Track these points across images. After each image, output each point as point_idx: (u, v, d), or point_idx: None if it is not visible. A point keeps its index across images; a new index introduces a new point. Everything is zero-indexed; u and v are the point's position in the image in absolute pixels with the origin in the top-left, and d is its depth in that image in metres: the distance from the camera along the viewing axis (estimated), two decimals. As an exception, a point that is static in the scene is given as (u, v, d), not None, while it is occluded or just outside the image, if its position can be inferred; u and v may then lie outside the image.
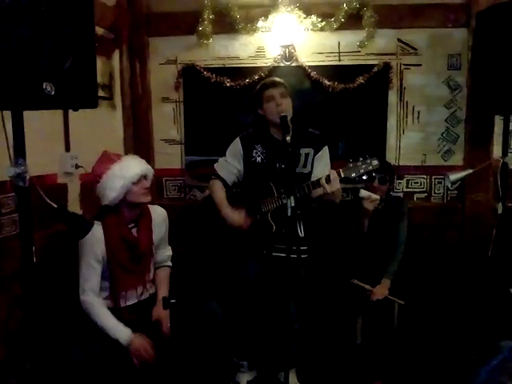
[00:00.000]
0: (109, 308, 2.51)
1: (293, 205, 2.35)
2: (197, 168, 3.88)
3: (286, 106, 2.78)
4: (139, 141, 3.88)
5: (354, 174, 2.58)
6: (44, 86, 1.65)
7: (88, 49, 1.79)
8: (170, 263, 2.93)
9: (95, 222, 2.39)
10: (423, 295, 3.38)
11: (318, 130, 3.01)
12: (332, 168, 2.73)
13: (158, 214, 2.77)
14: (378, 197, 3.01)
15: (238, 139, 3.00)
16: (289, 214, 2.35)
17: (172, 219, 2.88)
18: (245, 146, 2.96)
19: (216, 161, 3.11)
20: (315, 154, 2.91)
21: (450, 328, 3.31)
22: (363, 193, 3.03)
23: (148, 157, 3.88)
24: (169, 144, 3.93)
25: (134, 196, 2.54)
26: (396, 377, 2.96)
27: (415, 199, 3.76)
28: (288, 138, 2.50)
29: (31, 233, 1.88)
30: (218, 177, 3.02)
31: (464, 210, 3.66)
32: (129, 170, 2.49)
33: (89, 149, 3.20)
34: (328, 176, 2.57)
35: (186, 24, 3.72)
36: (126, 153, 3.79)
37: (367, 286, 3.17)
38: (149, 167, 2.62)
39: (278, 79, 2.91)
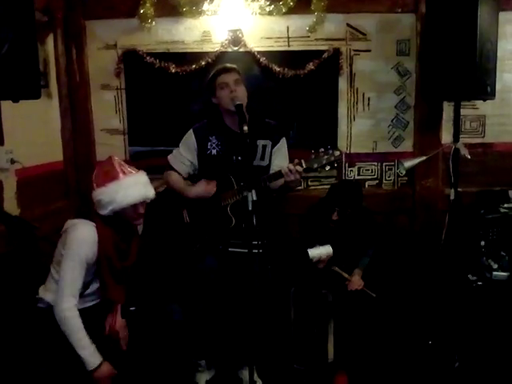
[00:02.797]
0: None
1: (254, 199, 2.25)
2: (142, 159, 3.66)
3: (241, 94, 2.67)
4: (78, 131, 3.62)
5: (316, 165, 2.57)
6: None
7: (28, 33, 1.58)
8: None
9: (90, 222, 2.32)
10: (378, 283, 3.37)
11: (272, 119, 2.92)
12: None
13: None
14: (329, 253, 3.00)
15: (191, 131, 2.87)
16: (250, 208, 2.26)
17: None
18: (198, 138, 2.82)
19: (162, 151, 3.00)
20: (273, 146, 2.83)
21: (404, 315, 3.33)
22: (312, 255, 2.99)
23: (88, 148, 3.68)
24: (110, 134, 3.69)
25: (126, 217, 2.41)
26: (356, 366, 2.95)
27: (366, 186, 3.73)
28: (245, 128, 2.39)
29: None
30: (172, 169, 2.87)
31: (414, 196, 3.67)
32: (122, 197, 2.32)
33: (24, 141, 2.99)
34: (288, 167, 2.53)
35: (125, 6, 3.48)
36: (65, 145, 3.56)
37: (345, 275, 3.15)
38: (149, 193, 2.46)
39: (230, 65, 2.80)
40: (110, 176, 2.37)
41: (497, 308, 2.81)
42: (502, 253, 2.95)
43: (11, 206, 2.85)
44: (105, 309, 2.51)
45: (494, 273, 2.87)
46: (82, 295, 2.35)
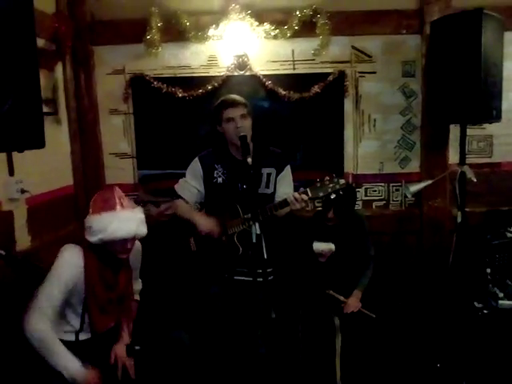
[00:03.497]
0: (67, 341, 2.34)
1: (258, 232, 2.28)
2: (151, 182, 3.72)
3: (247, 128, 2.70)
4: (88, 156, 3.68)
5: (321, 194, 2.60)
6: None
7: (31, 87, 1.62)
8: (138, 297, 2.79)
9: (76, 246, 2.31)
10: (387, 303, 3.37)
11: (278, 142, 2.95)
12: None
13: (134, 248, 2.57)
14: (331, 249, 3.02)
15: (196, 159, 2.89)
16: (254, 240, 2.29)
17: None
18: (204, 166, 2.86)
19: (170, 175, 3.02)
20: (278, 173, 2.86)
21: (411, 336, 3.32)
22: (316, 248, 3.03)
23: (98, 172, 3.73)
24: (119, 158, 3.75)
25: (112, 248, 2.37)
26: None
27: (374, 207, 3.75)
28: (249, 160, 2.43)
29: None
30: (180, 197, 2.91)
31: (422, 216, 3.67)
32: (114, 229, 2.28)
33: (34, 170, 3.03)
34: (294, 196, 2.57)
35: (132, 32, 3.53)
36: (75, 169, 3.62)
37: (341, 298, 3.13)
38: (142, 232, 2.42)
39: (238, 98, 2.82)
40: (108, 205, 2.34)
41: (503, 337, 2.80)
42: (508, 281, 2.93)
43: (22, 234, 2.91)
44: (110, 339, 2.53)
45: (500, 301, 2.85)
46: (82, 327, 2.37)
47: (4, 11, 1.42)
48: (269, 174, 2.84)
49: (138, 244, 2.64)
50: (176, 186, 2.98)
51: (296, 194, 2.58)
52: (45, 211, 3.19)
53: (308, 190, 2.58)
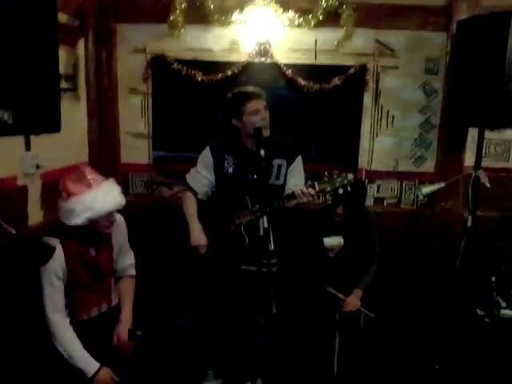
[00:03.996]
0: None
1: (265, 226, 2.29)
2: (165, 164, 3.75)
3: (268, 119, 2.71)
4: (104, 134, 3.70)
5: (329, 188, 2.60)
6: (1, 115, 1.51)
7: (51, 69, 1.63)
8: (133, 272, 2.84)
9: (53, 239, 2.32)
10: (390, 302, 3.39)
11: (294, 132, 2.93)
12: (304, 170, 2.88)
13: (117, 223, 2.62)
14: (340, 243, 3.02)
15: (207, 149, 2.90)
16: (261, 233, 2.30)
17: (137, 216, 2.79)
18: (215, 155, 2.87)
19: (185, 158, 3.04)
20: (288, 165, 2.86)
21: (414, 337, 3.34)
22: (326, 243, 3.03)
23: (113, 150, 3.75)
24: (135, 138, 3.76)
25: (98, 226, 2.43)
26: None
27: (385, 204, 3.73)
28: (262, 153, 2.43)
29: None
30: (190, 188, 2.91)
31: (433, 217, 3.65)
32: (101, 204, 2.34)
33: (51, 145, 3.03)
34: (302, 189, 2.58)
35: (156, 12, 3.52)
36: (91, 147, 3.65)
37: (341, 296, 3.13)
38: (123, 201, 2.48)
39: (258, 89, 2.82)
40: (85, 184, 2.37)
41: (503, 347, 2.80)
42: (512, 291, 2.93)
43: (35, 209, 2.96)
44: (112, 318, 2.60)
45: (502, 311, 2.84)
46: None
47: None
48: (279, 166, 2.84)
49: (120, 218, 2.68)
50: (187, 176, 2.99)
51: (303, 188, 2.59)
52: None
53: (315, 183, 2.59)
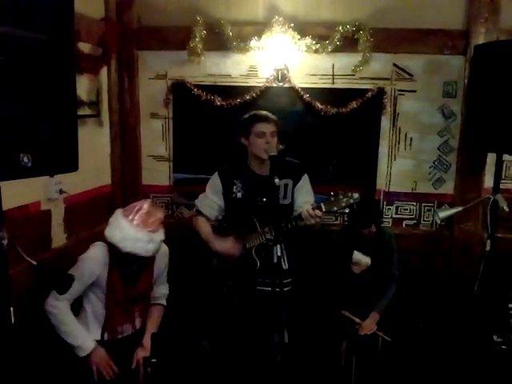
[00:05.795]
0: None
1: (279, 254, 2.33)
2: (185, 186, 3.83)
3: (274, 146, 2.74)
4: (126, 157, 3.81)
5: (335, 208, 2.61)
6: (20, 158, 1.58)
7: (69, 114, 1.70)
8: (164, 302, 2.91)
9: (105, 244, 2.49)
10: (409, 324, 3.38)
11: (310, 154, 2.98)
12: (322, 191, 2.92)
13: (161, 251, 2.68)
14: (367, 263, 3.03)
15: (216, 174, 2.98)
16: (275, 260, 2.34)
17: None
18: (224, 181, 2.94)
19: (204, 179, 3.09)
20: (294, 184, 2.89)
21: (431, 362, 3.32)
22: (355, 256, 3.05)
23: (135, 173, 3.85)
24: (157, 161, 3.86)
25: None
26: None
27: (404, 226, 3.73)
28: (277, 181, 2.48)
29: (9, 296, 1.83)
30: (200, 213, 2.98)
31: (452, 239, 3.63)
32: (129, 244, 2.42)
33: (75, 170, 3.15)
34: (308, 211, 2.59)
35: (176, 39, 3.61)
36: (113, 170, 3.76)
37: (357, 320, 3.13)
38: (152, 252, 2.52)
39: (271, 115, 2.85)
40: (140, 220, 2.45)
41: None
42: (529, 318, 2.89)
43: (58, 232, 3.07)
44: (134, 342, 2.66)
45: (519, 339, 2.82)
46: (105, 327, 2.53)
47: (46, 45, 1.51)
48: (286, 185, 2.88)
49: (164, 247, 2.75)
50: (197, 202, 3.07)
51: (310, 210, 2.60)
52: (81, 209, 3.32)
53: (322, 204, 2.60)
